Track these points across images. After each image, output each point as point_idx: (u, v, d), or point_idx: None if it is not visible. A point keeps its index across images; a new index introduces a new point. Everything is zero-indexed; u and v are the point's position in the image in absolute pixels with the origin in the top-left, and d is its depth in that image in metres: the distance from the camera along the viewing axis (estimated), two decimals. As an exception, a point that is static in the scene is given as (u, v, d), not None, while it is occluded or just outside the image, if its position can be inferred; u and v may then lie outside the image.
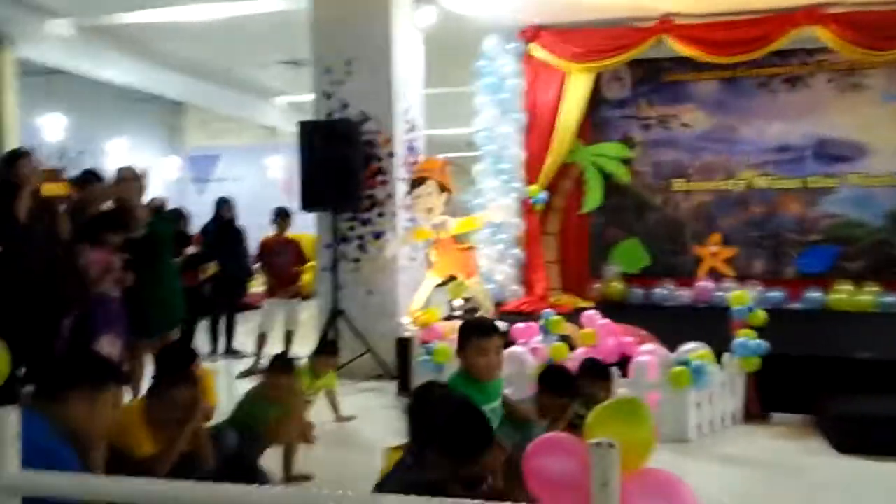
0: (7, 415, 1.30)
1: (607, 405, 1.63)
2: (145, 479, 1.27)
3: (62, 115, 9.40)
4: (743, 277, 6.85)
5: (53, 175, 4.40)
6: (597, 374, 3.68)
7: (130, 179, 4.78)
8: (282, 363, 4.08)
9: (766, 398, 5.11)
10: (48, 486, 1.30)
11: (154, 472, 3.01)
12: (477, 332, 2.98)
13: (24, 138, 7.53)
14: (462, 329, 3.03)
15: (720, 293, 6.57)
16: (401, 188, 6.35)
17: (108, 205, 4.84)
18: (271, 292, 6.82)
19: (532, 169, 6.94)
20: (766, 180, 6.99)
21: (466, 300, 6.68)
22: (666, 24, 6.46)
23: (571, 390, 3.43)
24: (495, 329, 3.10)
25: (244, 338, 7.50)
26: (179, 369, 3.39)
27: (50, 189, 4.28)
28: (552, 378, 3.56)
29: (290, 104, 10.77)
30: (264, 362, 4.99)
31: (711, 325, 5.43)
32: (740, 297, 5.22)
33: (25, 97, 7.47)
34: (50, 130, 9.31)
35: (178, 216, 6.47)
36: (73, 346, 4.14)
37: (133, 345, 4.69)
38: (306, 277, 7.13)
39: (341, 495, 1.24)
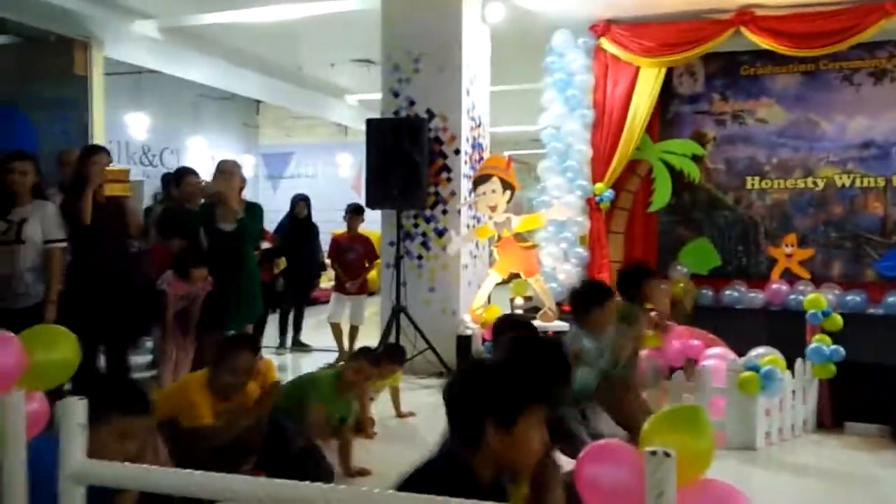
0: (73, 405, 1.38)
1: (665, 413, 1.60)
2: (206, 473, 1.32)
3: (145, 113, 9.82)
4: (820, 280, 6.58)
5: (121, 175, 4.47)
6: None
7: (228, 173, 4.94)
8: (371, 356, 4.17)
9: (840, 407, 4.92)
10: (112, 476, 1.37)
11: (217, 439, 3.18)
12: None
13: (109, 136, 7.92)
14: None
15: (795, 296, 6.34)
16: (465, 185, 6.38)
17: (203, 199, 5.02)
18: (340, 287, 6.96)
19: (598, 166, 6.85)
20: (848, 178, 6.68)
21: (528, 299, 6.65)
22: (744, 15, 6.26)
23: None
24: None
25: (311, 332, 7.70)
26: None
27: (113, 189, 4.36)
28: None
29: (360, 102, 10.93)
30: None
31: (784, 329, 5.26)
32: (815, 300, 5.03)
33: (112, 96, 7.85)
34: (134, 129, 9.74)
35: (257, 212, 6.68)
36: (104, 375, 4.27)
37: (207, 336, 4.86)
38: (372, 274, 7.24)
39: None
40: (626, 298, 4.03)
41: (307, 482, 1.32)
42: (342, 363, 4.32)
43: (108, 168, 4.42)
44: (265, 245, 6.83)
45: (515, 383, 1.67)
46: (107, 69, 7.47)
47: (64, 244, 4.16)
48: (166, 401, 3.34)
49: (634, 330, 3.89)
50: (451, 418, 1.68)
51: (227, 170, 4.95)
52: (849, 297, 6.33)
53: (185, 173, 5.71)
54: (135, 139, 9.97)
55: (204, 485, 1.31)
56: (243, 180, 5.16)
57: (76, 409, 1.42)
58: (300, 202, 7.56)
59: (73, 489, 1.41)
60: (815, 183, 6.78)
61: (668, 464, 1.24)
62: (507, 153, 9.08)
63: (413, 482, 1.64)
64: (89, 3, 6.71)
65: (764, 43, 6.22)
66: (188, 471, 1.31)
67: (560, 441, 2.73)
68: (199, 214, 5.07)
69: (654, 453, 1.26)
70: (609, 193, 6.84)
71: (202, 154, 10.76)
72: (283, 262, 7.15)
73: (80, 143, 6.36)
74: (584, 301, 3.62)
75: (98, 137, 7.00)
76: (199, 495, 1.34)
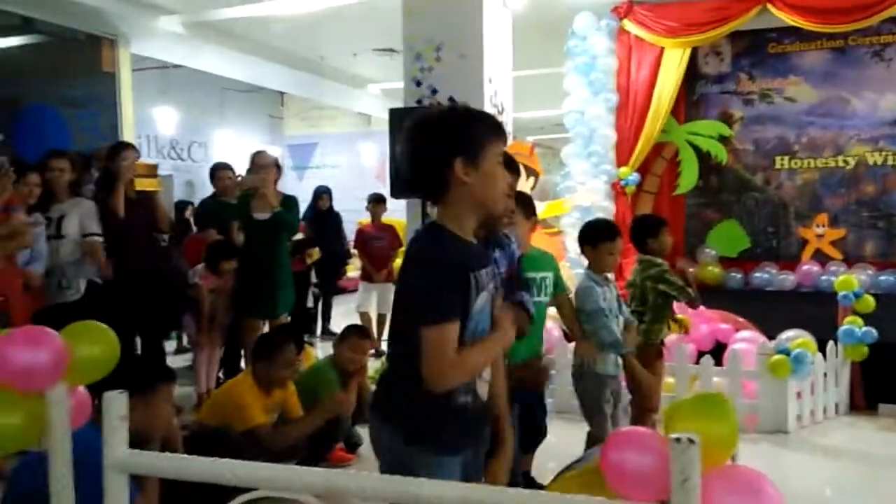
0: (114, 398, 1.43)
1: (689, 399, 1.62)
2: (246, 463, 1.36)
3: (172, 108, 9.95)
4: (852, 261, 6.49)
5: (151, 170, 4.56)
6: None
7: (264, 165, 5.01)
8: (360, 330, 4.24)
9: (873, 388, 4.86)
10: (154, 466, 1.43)
11: (267, 441, 3.27)
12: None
13: (138, 131, 8.05)
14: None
15: (826, 277, 6.26)
16: (489, 172, 6.36)
17: (240, 190, 5.11)
18: (367, 276, 7.03)
19: (623, 150, 6.79)
20: (879, 156, 6.55)
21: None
22: (771, -9, 6.15)
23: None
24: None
25: (340, 320, 7.78)
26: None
27: (142, 184, 4.45)
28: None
29: (383, 91, 10.94)
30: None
31: (816, 311, 5.20)
32: (847, 281, 4.96)
33: (139, 91, 7.96)
34: (163, 123, 9.88)
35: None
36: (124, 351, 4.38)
37: (245, 324, 4.95)
38: (397, 262, 7.29)
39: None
40: (638, 249, 4.00)
41: (349, 472, 1.35)
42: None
43: (137, 163, 4.51)
44: (297, 236, 6.92)
45: (473, 119, 1.75)
46: (134, 65, 7.58)
47: (101, 238, 4.27)
48: (215, 407, 3.44)
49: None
50: (419, 176, 1.72)
51: (262, 162, 5.02)
52: (882, 277, 6.24)
53: (217, 168, 5.81)
54: (163, 133, 10.11)
55: (242, 474, 1.36)
56: (279, 171, 5.22)
57: (117, 403, 1.48)
58: (323, 194, 7.62)
59: (118, 478, 1.47)
60: (845, 162, 6.67)
61: (692, 450, 1.26)
62: (531, 138, 9.04)
63: (407, 259, 1.77)
64: (115, 1, 6.80)
65: (791, 20, 6.10)
66: (226, 460, 1.36)
67: None
68: (235, 206, 5.15)
69: (678, 440, 1.27)
70: (634, 177, 6.79)
71: (229, 146, 10.88)
72: (316, 253, 7.23)
73: (110, 139, 6.48)
74: (581, 238, 3.53)
75: (128, 133, 7.12)
76: (241, 485, 1.38)
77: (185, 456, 1.49)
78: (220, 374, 5.26)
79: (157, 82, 9.53)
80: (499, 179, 1.73)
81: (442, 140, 1.68)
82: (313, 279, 7.23)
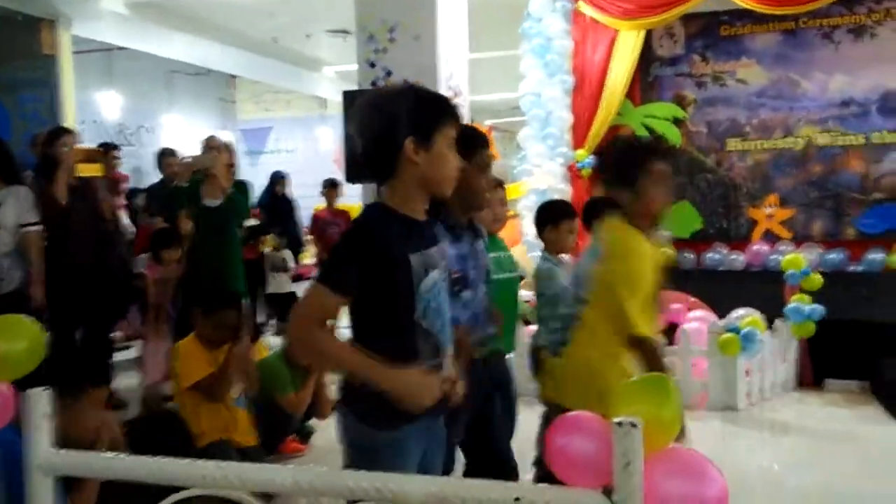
0: (37, 395, 1.36)
1: (632, 382, 1.61)
2: (174, 460, 1.31)
3: (117, 92, 9.65)
4: (801, 240, 6.63)
5: (93, 155, 4.43)
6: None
7: (216, 148, 4.87)
8: None
9: (820, 365, 4.99)
10: (81, 466, 1.37)
11: (212, 390, 3.30)
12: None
13: (81, 116, 7.78)
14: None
15: (776, 256, 6.38)
16: (445, 156, 6.31)
17: (189, 174, 4.96)
18: (320, 263, 6.94)
19: (579, 133, 6.81)
20: (828, 137, 6.69)
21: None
22: (723, -27, 6.20)
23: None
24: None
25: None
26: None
27: (86, 169, 4.32)
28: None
29: (338, 74, 10.78)
30: None
31: (766, 289, 5.30)
32: (794, 260, 5.06)
33: (82, 75, 7.69)
34: (107, 108, 9.57)
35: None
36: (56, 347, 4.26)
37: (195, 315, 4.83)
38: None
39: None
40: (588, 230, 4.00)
41: (275, 466, 1.32)
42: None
43: (80, 147, 4.36)
44: (250, 222, 6.78)
45: (426, 100, 1.76)
46: (76, 47, 7.30)
47: (39, 227, 4.11)
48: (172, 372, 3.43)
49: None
50: (370, 155, 1.73)
51: (213, 144, 4.89)
52: (830, 256, 6.39)
53: (164, 154, 5.66)
54: (109, 118, 9.80)
55: (173, 471, 1.31)
56: (232, 154, 5.08)
57: (41, 400, 1.41)
58: (281, 179, 7.48)
59: (42, 480, 1.40)
60: (795, 142, 6.79)
61: (634, 434, 1.25)
62: (488, 122, 9.01)
63: (348, 233, 1.75)
64: (54, -20, 6.55)
65: (743, 2, 6.16)
66: (155, 458, 1.31)
67: None
68: (184, 191, 4.99)
69: (620, 424, 1.26)
70: (590, 160, 6.82)
71: (179, 131, 10.61)
72: (269, 240, 7.10)
73: (52, 123, 6.25)
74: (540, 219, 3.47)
75: (69, 117, 6.87)
76: (169, 483, 1.33)
77: (115, 455, 1.43)
78: None
79: (101, 65, 9.23)
80: (449, 162, 1.73)
81: (393, 119, 1.67)
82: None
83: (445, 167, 1.72)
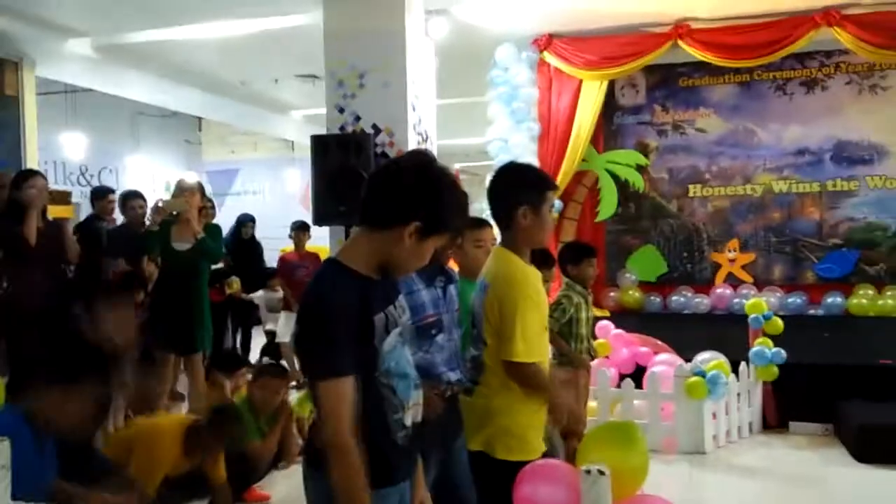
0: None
1: (600, 429, 1.61)
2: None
3: (82, 133, 9.55)
4: (762, 284, 6.77)
5: (61, 197, 4.39)
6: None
7: (189, 191, 4.81)
8: (273, 369, 4.11)
9: (784, 407, 5.05)
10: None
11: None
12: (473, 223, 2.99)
13: (44, 157, 7.67)
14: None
15: (738, 300, 6.50)
16: (414, 200, 6.34)
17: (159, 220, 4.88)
18: (288, 305, 6.86)
19: (546, 178, 6.90)
20: (785, 184, 6.90)
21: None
22: (681, 28, 6.40)
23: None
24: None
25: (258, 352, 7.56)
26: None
27: (56, 212, 4.29)
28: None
29: (306, 118, 10.82)
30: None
31: (730, 333, 5.38)
32: (756, 304, 5.16)
33: (46, 116, 7.59)
34: (71, 149, 9.45)
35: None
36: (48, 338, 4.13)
37: (161, 359, 4.72)
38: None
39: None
40: (564, 275, 4.11)
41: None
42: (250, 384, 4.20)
43: (50, 189, 4.32)
44: (215, 266, 6.70)
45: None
46: (40, 88, 7.23)
47: None
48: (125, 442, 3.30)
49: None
50: (379, 206, 1.72)
51: (185, 186, 4.84)
52: (790, 299, 6.52)
53: (128, 196, 5.58)
54: (71, 159, 9.66)
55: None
56: (205, 199, 5.03)
57: (2, 450, 1.36)
58: (248, 223, 7.43)
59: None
60: (753, 189, 6.98)
61: (602, 482, 1.24)
62: (457, 165, 9.10)
63: (304, 299, 1.69)
64: (19, 23, 6.50)
65: (700, 55, 6.38)
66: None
67: None
68: (155, 235, 4.89)
69: (588, 472, 1.26)
70: (557, 204, 6.91)
71: (143, 173, 10.51)
72: (235, 283, 7.00)
73: (13, 164, 6.14)
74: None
75: (31, 158, 6.75)
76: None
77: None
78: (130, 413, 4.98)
79: (65, 106, 9.13)
80: (424, 260, 1.74)
81: (413, 197, 1.68)
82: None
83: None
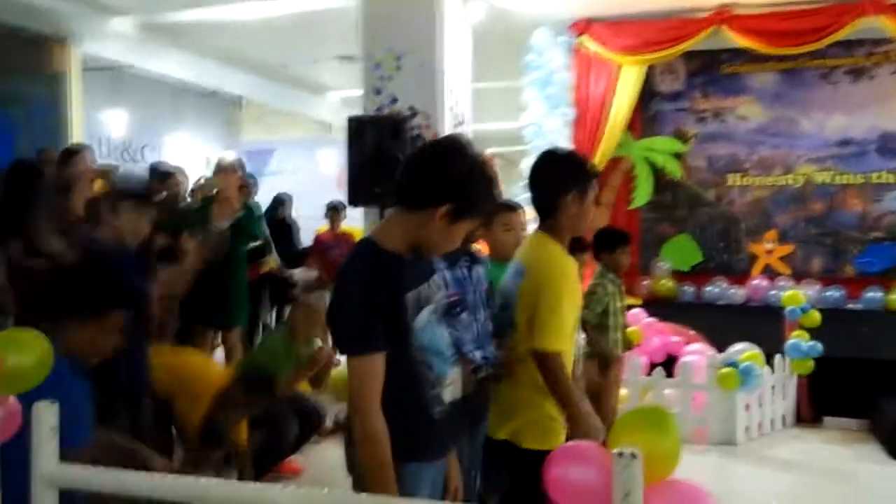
0: (44, 408, 1.37)
1: (633, 413, 1.61)
2: (181, 477, 1.32)
3: (124, 111, 9.71)
4: (799, 276, 6.65)
5: (104, 174, 4.48)
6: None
7: (226, 169, 4.89)
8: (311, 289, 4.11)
9: (819, 402, 4.98)
10: (85, 480, 1.37)
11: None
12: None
13: (88, 134, 7.83)
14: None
15: (775, 292, 6.40)
16: (448, 183, 6.36)
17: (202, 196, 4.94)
18: (322, 284, 6.93)
19: (581, 164, 6.86)
20: (827, 175, 6.75)
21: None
22: (723, 14, 6.29)
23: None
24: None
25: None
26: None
27: (100, 187, 4.37)
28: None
29: (343, 99, 10.87)
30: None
31: (765, 325, 5.31)
32: (794, 297, 5.08)
33: (90, 93, 7.75)
34: (113, 126, 9.63)
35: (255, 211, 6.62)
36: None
37: (196, 333, 4.81)
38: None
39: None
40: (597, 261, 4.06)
41: (276, 486, 1.32)
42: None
43: (95, 166, 4.42)
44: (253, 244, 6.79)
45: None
46: (84, 65, 7.38)
47: None
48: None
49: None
50: (417, 188, 1.74)
51: (225, 166, 4.92)
52: (828, 293, 6.41)
53: (170, 174, 5.66)
54: (114, 136, 9.85)
55: (180, 488, 1.31)
56: (243, 178, 5.10)
57: (47, 413, 1.42)
58: (285, 202, 7.51)
59: (46, 492, 1.41)
60: (794, 180, 6.85)
61: (634, 465, 1.25)
62: (490, 150, 9.07)
63: (338, 277, 1.73)
64: (66, 1, 6.63)
65: (743, 41, 6.26)
66: (159, 475, 1.31)
67: None
68: (195, 213, 5.00)
69: (621, 454, 1.27)
70: (591, 191, 6.86)
71: (183, 150, 10.66)
72: (271, 262, 7.09)
73: (59, 140, 6.29)
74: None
75: (77, 135, 6.92)
76: (175, 499, 1.34)
77: (120, 470, 1.43)
78: None
79: (109, 84, 9.30)
80: (455, 242, 1.77)
81: (447, 179, 1.70)
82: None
83: (444, 244, 1.76)
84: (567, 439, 2.37)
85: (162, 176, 5.77)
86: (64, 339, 1.98)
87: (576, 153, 2.80)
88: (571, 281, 2.34)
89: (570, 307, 2.31)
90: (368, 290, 1.64)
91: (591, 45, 6.77)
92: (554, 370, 2.25)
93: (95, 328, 2.13)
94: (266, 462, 3.71)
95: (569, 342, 2.33)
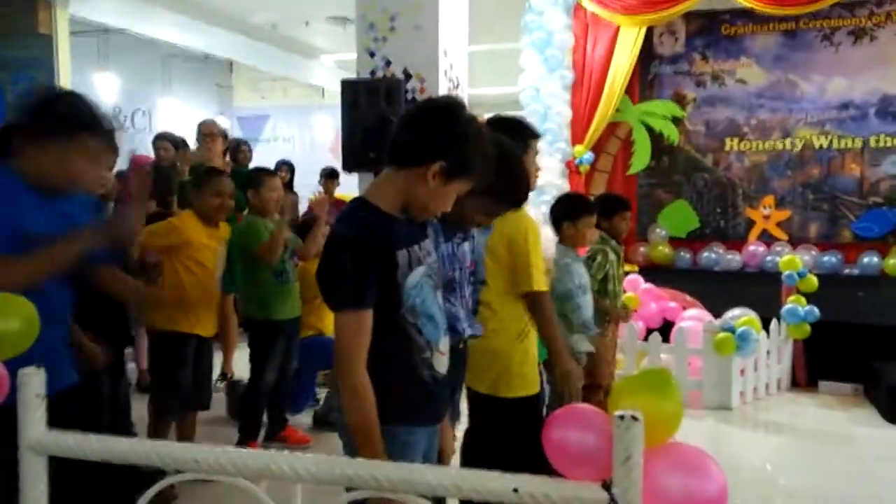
0: (30, 375, 1.34)
1: (634, 376, 1.59)
2: (177, 444, 1.29)
3: (113, 74, 9.56)
4: (797, 241, 6.64)
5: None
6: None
7: (209, 134, 4.80)
8: (261, 170, 4.12)
9: (815, 366, 5.00)
10: (75, 447, 1.34)
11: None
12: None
13: (78, 98, 7.69)
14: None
15: (772, 257, 6.39)
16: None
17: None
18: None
19: (578, 129, 6.79)
20: (825, 139, 6.70)
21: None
22: (724, -27, 6.18)
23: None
24: None
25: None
26: None
27: None
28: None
29: (337, 63, 10.72)
30: None
31: (761, 290, 5.31)
32: (790, 261, 5.06)
33: (78, 56, 7.60)
34: (104, 90, 9.48)
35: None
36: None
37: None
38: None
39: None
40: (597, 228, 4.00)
41: (272, 452, 1.29)
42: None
43: None
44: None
45: (476, 143, 1.77)
46: (72, 28, 7.23)
47: None
48: (156, 236, 3.35)
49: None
50: (402, 147, 1.73)
51: (206, 131, 4.83)
52: (825, 258, 6.40)
53: (156, 138, 5.59)
54: (103, 100, 9.71)
55: (166, 455, 1.28)
56: (226, 138, 5.00)
57: (34, 380, 1.38)
58: (283, 166, 7.43)
59: (34, 460, 1.38)
60: (792, 144, 6.79)
61: (635, 428, 1.23)
62: (486, 115, 8.95)
63: (330, 235, 1.73)
64: (52, -41, 6.47)
65: (744, 1, 6.15)
66: (154, 441, 1.28)
67: None
68: (185, 185, 4.92)
69: (622, 417, 1.24)
70: (588, 156, 6.80)
71: (175, 115, 10.53)
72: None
73: (46, 105, 6.18)
74: (557, 213, 3.43)
75: (66, 99, 6.80)
76: (169, 467, 1.31)
77: (110, 437, 1.40)
78: None
79: (97, 47, 9.14)
80: (447, 204, 1.75)
81: (441, 136, 1.68)
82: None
83: (439, 204, 1.76)
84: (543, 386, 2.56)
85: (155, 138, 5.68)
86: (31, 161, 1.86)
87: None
88: (533, 227, 2.45)
89: (538, 249, 2.43)
90: (360, 245, 1.63)
91: (590, 5, 6.65)
92: (548, 307, 2.42)
93: (61, 148, 1.89)
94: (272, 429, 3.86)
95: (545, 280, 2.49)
